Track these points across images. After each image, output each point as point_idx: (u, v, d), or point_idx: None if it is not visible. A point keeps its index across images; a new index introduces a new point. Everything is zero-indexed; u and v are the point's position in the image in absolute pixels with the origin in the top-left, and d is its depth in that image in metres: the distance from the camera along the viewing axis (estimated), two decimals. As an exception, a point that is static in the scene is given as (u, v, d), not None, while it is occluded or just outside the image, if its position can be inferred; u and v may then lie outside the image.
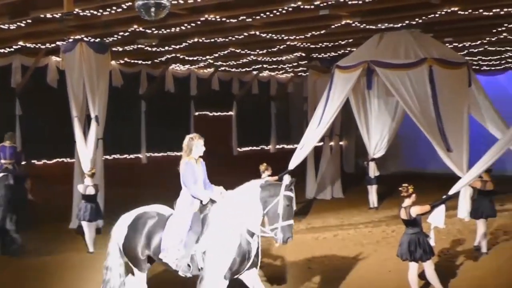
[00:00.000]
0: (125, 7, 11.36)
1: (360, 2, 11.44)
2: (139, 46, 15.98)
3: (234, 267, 7.68)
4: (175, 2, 10.77)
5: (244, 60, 20.14)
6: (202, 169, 8.16)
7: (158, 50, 17.02)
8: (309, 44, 16.64)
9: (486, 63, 21.57)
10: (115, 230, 8.33)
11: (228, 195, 7.98)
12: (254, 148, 25.72)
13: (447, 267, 10.61)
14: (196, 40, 15.30)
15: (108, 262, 8.32)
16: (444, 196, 9.17)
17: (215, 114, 24.57)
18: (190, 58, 19.71)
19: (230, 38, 15.34)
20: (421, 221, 8.85)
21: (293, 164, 14.44)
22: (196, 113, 23.48)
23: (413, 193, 8.74)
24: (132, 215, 8.26)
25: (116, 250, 8.29)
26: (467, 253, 11.69)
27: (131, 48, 16.56)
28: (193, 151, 8.07)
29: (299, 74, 24.64)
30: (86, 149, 14.49)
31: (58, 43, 15.32)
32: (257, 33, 14.44)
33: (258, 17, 12.78)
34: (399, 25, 13.66)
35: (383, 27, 13.78)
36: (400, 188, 8.89)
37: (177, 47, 16.60)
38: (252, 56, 18.93)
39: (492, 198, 11.66)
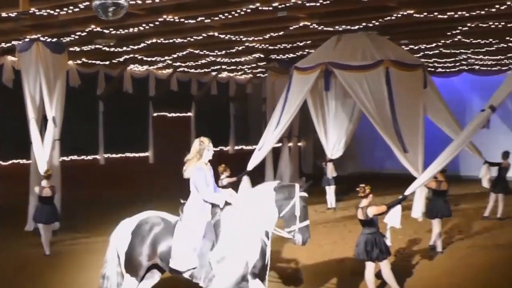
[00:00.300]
0: (82, 6, 11.22)
1: (318, 4, 11.50)
2: (97, 46, 15.83)
3: (259, 271, 7.56)
4: (133, 2, 10.69)
5: (203, 61, 20.10)
6: (211, 173, 8.02)
7: (116, 50, 16.88)
8: (267, 45, 16.69)
9: (441, 65, 21.91)
10: (116, 237, 7.83)
11: (241, 198, 7.95)
12: (213, 149, 25.61)
13: (403, 266, 10.77)
14: (154, 40, 15.22)
15: (105, 270, 7.83)
16: (400, 197, 9.30)
17: (174, 115, 24.46)
18: (149, 59, 19.61)
19: (188, 39, 15.30)
20: (377, 221, 8.95)
21: (251, 165, 14.50)
22: (155, 114, 23.35)
23: (370, 193, 8.83)
24: (135, 221, 7.81)
25: (115, 257, 7.80)
26: (423, 252, 11.90)
27: (89, 48, 16.40)
28: (203, 155, 7.96)
29: (258, 75, 24.69)
30: (43, 150, 14.31)
31: (13, 42, 15.07)
32: (216, 34, 14.43)
33: (216, 18, 12.77)
34: (356, 27, 13.78)
35: (340, 29, 13.90)
36: (357, 189, 8.98)
37: (135, 47, 16.49)
38: (211, 57, 18.92)
39: (447, 198, 11.88)
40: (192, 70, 23.07)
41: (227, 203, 7.75)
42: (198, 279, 7.60)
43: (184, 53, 17.56)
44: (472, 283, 9.64)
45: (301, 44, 16.38)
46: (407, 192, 9.45)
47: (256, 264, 7.50)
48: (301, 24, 13.28)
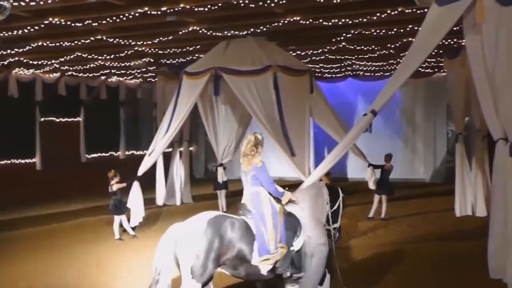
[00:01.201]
0: (-38, 7, 10.80)
1: (206, 9, 11.60)
2: (-21, 49, 15.26)
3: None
4: (17, 4, 10.41)
5: (92, 65, 19.72)
6: None
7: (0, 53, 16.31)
8: (157, 49, 16.60)
9: (327, 70, 22.48)
10: (184, 241, 7.26)
11: (301, 195, 8.35)
12: (103, 154, 25.24)
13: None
14: (40, 43, 14.82)
15: (159, 277, 7.33)
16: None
17: (62, 120, 23.84)
18: (35, 62, 19.00)
19: (76, 42, 14.97)
20: None
21: (141, 170, 14.37)
22: (42, 119, 22.64)
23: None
24: (202, 222, 7.33)
25: (172, 261, 7.36)
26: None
27: (-30, 51, 15.77)
28: (260, 151, 8.04)
29: (148, 79, 24.50)
30: None
31: None
32: (104, 37, 14.22)
33: (104, 22, 12.60)
34: (245, 32, 13.96)
35: (229, 34, 14.03)
36: None
37: (20, 50, 15.93)
38: (99, 61, 18.59)
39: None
40: (81, 74, 22.56)
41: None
42: (285, 271, 7.82)
43: (72, 56, 17.16)
44: (357, 282, 9.96)
45: (191, 48, 16.41)
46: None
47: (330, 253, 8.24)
48: (190, 29, 13.32)
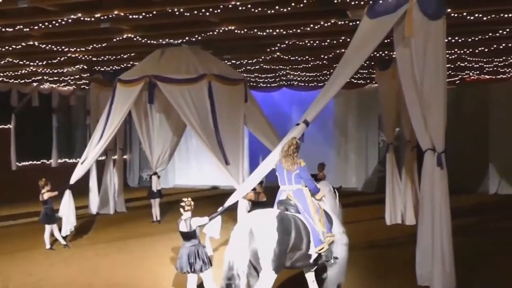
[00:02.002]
0: None
1: (141, 17, 11.55)
2: None
3: None
4: None
5: (23, 71, 19.30)
6: None
7: None
8: (91, 56, 16.38)
9: (262, 80, 22.63)
10: (261, 234, 7.85)
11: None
12: (35, 162, 24.70)
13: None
14: (-31, 49, 14.48)
15: (235, 271, 7.81)
16: (220, 208, 9.53)
17: (-8, 127, 23.28)
18: (-37, 68, 18.52)
19: (7, 47, 14.64)
20: (199, 233, 9.14)
21: (74, 178, 14.16)
22: (-31, 126, 22.06)
23: (193, 206, 9.10)
24: (272, 217, 8.03)
25: (247, 257, 7.88)
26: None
27: None
28: (298, 153, 8.87)
29: (82, 86, 24.13)
30: None
31: None
32: (36, 43, 13.96)
33: (37, 27, 12.38)
34: (180, 41, 13.96)
35: (164, 42, 14.00)
36: (181, 203, 9.12)
37: (-51, 55, 15.53)
38: (31, 67, 18.21)
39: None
40: (12, 81, 22.02)
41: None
42: (327, 258, 8.66)
43: (2, 62, 16.78)
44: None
45: (125, 56, 16.27)
46: (227, 204, 9.69)
47: None
48: (125, 36, 13.21)
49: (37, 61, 17.11)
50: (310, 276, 9.21)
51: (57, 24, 12.04)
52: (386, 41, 10.05)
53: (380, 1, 9.64)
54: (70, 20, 11.69)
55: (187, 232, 9.02)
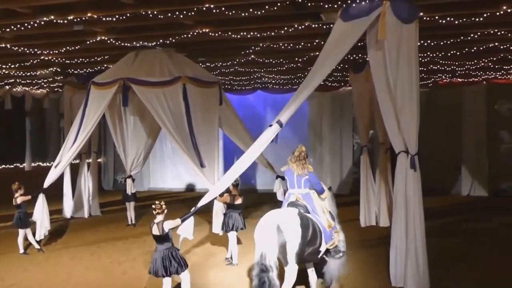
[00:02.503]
0: None
1: (115, 19, 11.52)
2: None
3: None
4: None
5: (-5, 74, 19.14)
6: None
7: None
8: (64, 59, 16.27)
9: (237, 82, 22.66)
10: (288, 229, 8.53)
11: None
12: (8, 166, 24.46)
13: (202, 277, 11.07)
14: None
15: (266, 263, 8.37)
16: (192, 209, 9.51)
17: (-36, 130, 23.02)
18: None
19: (-22, 50, 14.52)
20: (172, 235, 9.13)
21: (47, 182, 14.04)
22: None
23: (165, 209, 9.09)
24: (294, 215, 8.78)
25: (277, 250, 8.49)
26: (220, 265, 12.29)
27: None
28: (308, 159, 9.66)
29: (55, 89, 23.93)
30: None
31: None
32: (8, 46, 13.82)
33: (8, 30, 12.27)
34: (154, 43, 13.93)
35: (138, 44, 13.95)
36: (153, 206, 9.11)
37: None
38: (4, 70, 18.04)
39: (241, 211, 12.38)
40: (-16, 84, 21.83)
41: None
42: (335, 253, 9.42)
43: (-26, 65, 16.64)
44: None
45: (99, 58, 16.19)
46: (200, 204, 9.66)
47: None
48: (98, 38, 13.14)
49: (9, 64, 16.96)
50: (310, 266, 9.80)
51: (29, 27, 11.95)
52: (359, 44, 10.13)
53: (354, 5, 9.73)
54: (42, 23, 11.62)
55: (159, 236, 8.99)
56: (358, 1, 9.82)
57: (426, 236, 10.03)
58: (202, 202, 9.70)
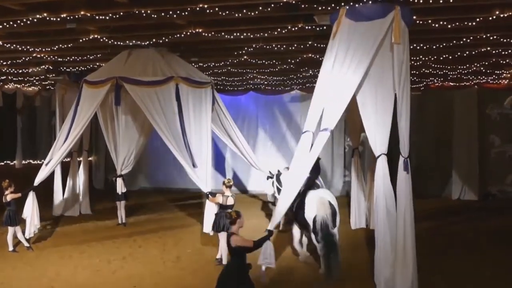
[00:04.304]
0: None
1: (108, 18, 11.50)
2: None
3: None
4: None
5: (-13, 71, 19.07)
6: None
7: None
8: (56, 57, 16.22)
9: (229, 83, 22.62)
10: (336, 204, 11.85)
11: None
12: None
13: (194, 277, 11.07)
14: None
15: (328, 223, 11.38)
16: (265, 233, 9.09)
17: (-46, 127, 22.93)
18: None
19: (-29, 47, 14.47)
20: (245, 255, 8.12)
21: (38, 180, 14.00)
22: None
23: (237, 218, 8.15)
24: (326, 196, 11.92)
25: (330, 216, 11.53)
26: (210, 264, 12.29)
27: None
28: None
29: (47, 87, 23.86)
30: None
31: None
32: (0, 43, 13.78)
33: (1, 27, 12.23)
34: (147, 42, 13.92)
35: (131, 44, 13.93)
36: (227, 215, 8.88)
37: None
38: (-5, 67, 18.01)
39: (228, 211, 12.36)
40: (-24, 81, 21.76)
41: None
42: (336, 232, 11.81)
43: (-34, 62, 16.57)
44: None
45: (92, 57, 16.13)
46: (270, 227, 9.41)
47: None
48: (91, 37, 13.11)
49: (1, 61, 16.89)
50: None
51: (22, 24, 11.91)
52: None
53: (360, 5, 9.85)
54: (35, 20, 11.59)
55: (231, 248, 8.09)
56: (356, 4, 9.89)
57: (416, 237, 10.04)
58: (272, 224, 9.54)
